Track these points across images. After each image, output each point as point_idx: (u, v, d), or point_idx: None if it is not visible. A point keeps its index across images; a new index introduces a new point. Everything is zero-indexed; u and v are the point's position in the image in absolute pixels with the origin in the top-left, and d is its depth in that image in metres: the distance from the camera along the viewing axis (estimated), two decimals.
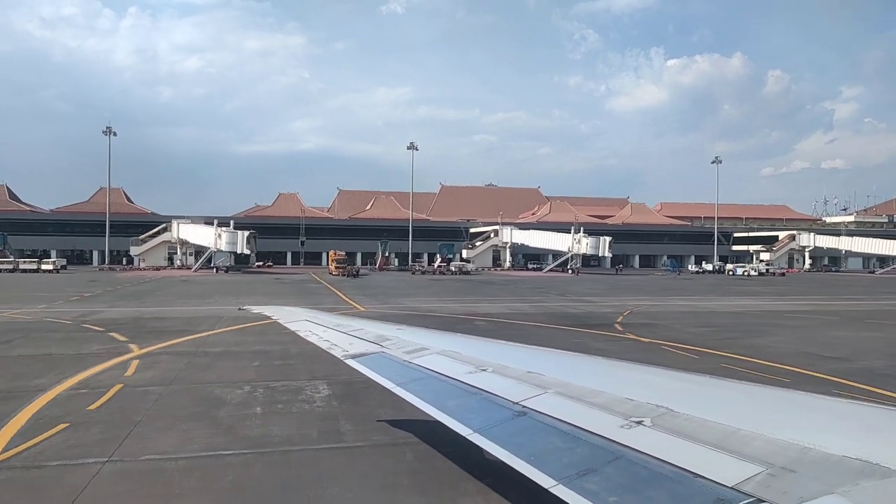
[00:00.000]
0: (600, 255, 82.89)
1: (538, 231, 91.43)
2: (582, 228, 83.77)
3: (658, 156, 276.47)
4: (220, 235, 71.33)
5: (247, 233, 72.22)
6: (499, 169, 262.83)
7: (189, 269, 72.75)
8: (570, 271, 78.38)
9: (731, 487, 2.48)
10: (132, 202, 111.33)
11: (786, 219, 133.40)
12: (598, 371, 5.08)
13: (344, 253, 72.01)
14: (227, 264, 73.62)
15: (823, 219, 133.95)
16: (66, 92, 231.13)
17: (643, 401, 3.65)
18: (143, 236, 77.88)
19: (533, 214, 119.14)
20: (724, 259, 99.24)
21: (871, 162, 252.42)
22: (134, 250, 77.75)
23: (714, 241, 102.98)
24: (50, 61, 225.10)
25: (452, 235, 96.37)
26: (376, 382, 5.33)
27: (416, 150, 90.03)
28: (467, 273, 72.61)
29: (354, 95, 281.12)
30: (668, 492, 2.64)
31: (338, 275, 60.58)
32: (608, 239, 79.80)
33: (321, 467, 7.41)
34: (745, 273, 79.62)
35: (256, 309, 11.37)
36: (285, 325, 8.68)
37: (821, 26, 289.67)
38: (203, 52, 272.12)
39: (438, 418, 4.16)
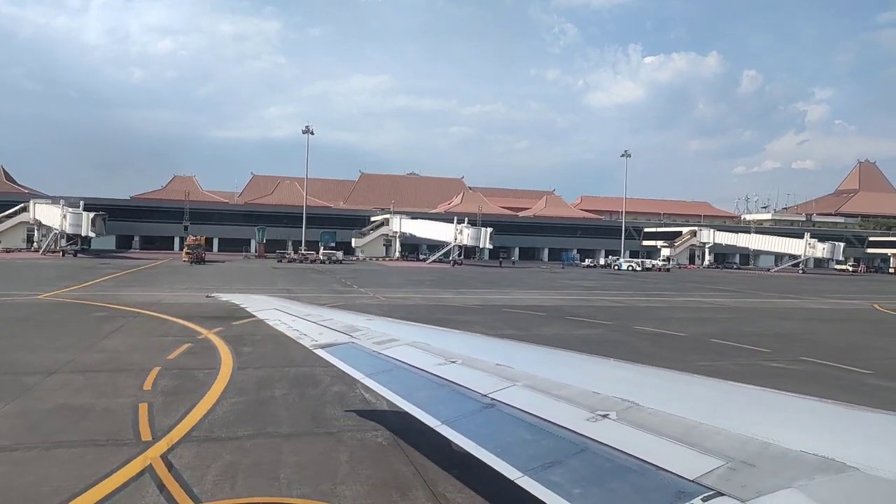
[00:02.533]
0: (480, 246, 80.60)
1: (425, 221, 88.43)
2: (466, 220, 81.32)
3: (634, 152, 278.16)
4: (65, 216, 68.96)
5: (92, 214, 69.67)
6: (474, 162, 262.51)
7: (38, 251, 70.09)
8: (451, 263, 77.17)
9: (692, 480, 2.52)
10: (13, 181, 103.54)
11: (704, 215, 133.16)
12: (566, 364, 5.12)
13: (201, 238, 68.62)
14: (77, 247, 70.14)
15: (744, 216, 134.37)
16: (34, 70, 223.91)
17: (610, 394, 3.69)
18: None
19: (449, 204, 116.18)
20: (634, 254, 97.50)
21: (840, 163, 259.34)
22: None
23: (622, 236, 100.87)
24: (17, 38, 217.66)
25: (354, 224, 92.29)
26: (345, 373, 5.29)
27: (312, 133, 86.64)
28: (339, 262, 70.14)
29: (331, 83, 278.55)
30: (630, 484, 2.67)
31: (187, 261, 58.99)
32: (489, 230, 78.44)
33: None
34: (630, 267, 78.03)
35: (225, 297, 11.20)
36: (254, 313, 8.56)
37: (795, 28, 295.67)
38: (176, 34, 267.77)
39: (407, 409, 4.14)
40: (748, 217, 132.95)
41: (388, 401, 4.45)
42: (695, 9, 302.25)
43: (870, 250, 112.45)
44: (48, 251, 70.01)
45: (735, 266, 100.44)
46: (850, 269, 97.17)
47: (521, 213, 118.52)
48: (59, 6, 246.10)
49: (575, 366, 5.05)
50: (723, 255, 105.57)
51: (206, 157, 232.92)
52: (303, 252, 74.55)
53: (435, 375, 4.60)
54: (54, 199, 74.93)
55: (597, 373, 4.71)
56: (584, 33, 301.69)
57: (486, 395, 3.97)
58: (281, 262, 68.84)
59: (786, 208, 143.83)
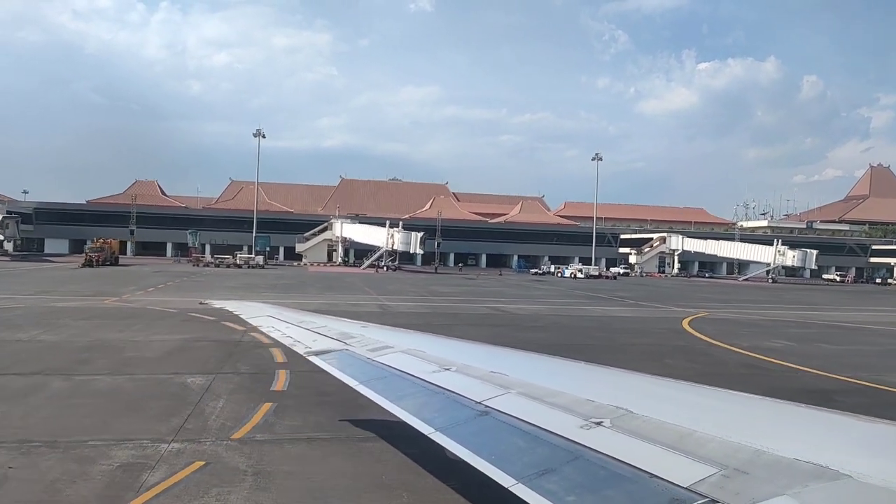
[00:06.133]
0: (411, 251, 79.42)
1: (361, 226, 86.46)
2: (401, 224, 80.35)
3: (688, 160, 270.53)
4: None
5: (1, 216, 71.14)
6: (524, 171, 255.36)
7: None
8: (385, 268, 75.85)
9: (686, 488, 2.52)
10: (166, 195, 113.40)
11: (695, 222, 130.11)
12: (560, 372, 5.12)
13: (99, 242, 67.69)
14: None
15: (740, 224, 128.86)
16: (100, 84, 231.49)
17: (603, 402, 3.69)
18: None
19: (424, 211, 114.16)
20: (612, 262, 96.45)
21: None
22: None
23: (593, 242, 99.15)
24: (83, 53, 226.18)
25: (310, 228, 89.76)
26: (339, 380, 5.27)
27: (264, 137, 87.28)
28: (259, 266, 70.60)
29: (380, 93, 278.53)
30: (625, 491, 2.67)
31: (82, 265, 59.09)
32: (419, 235, 77.34)
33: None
34: (572, 275, 75.33)
35: (218, 304, 11.15)
36: (247, 320, 8.53)
37: (858, 30, 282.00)
38: (232, 47, 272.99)
39: (401, 416, 4.13)
40: (745, 224, 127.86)
41: (382, 408, 4.43)
42: (751, 12, 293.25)
43: (873, 259, 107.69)
44: None
45: (707, 275, 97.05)
46: (838, 278, 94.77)
47: (491, 220, 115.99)
48: (121, 22, 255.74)
49: (569, 373, 5.06)
50: (711, 264, 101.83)
51: (255, 166, 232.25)
52: (219, 256, 74.63)
53: (429, 383, 4.59)
54: None
55: (591, 380, 4.72)
56: (635, 40, 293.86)
57: (480, 403, 3.97)
58: (197, 265, 68.77)
59: (787, 215, 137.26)
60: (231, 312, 9.91)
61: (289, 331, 7.27)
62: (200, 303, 12.26)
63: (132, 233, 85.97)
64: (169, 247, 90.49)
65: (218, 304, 11.11)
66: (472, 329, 20.89)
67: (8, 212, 76.59)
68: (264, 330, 7.65)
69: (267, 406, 9.82)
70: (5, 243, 77.91)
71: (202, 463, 7.16)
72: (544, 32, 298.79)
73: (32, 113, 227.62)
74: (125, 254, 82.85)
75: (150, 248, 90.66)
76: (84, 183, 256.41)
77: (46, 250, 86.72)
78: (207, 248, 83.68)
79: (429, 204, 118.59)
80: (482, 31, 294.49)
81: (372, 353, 5.72)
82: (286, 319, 7.97)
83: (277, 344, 14.67)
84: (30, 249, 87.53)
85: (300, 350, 6.35)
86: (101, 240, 68.35)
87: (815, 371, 15.16)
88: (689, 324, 25.27)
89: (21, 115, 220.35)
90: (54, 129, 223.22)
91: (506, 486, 2.87)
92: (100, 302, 26.37)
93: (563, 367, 5.39)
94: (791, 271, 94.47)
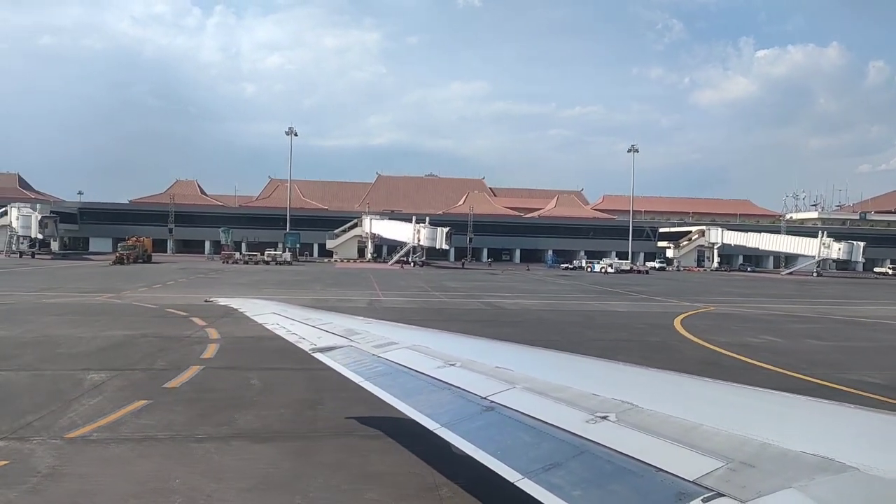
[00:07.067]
0: (437, 247, 78.17)
1: (390, 221, 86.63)
2: (427, 219, 79.77)
3: (746, 151, 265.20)
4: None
5: (40, 216, 73.29)
6: (574, 163, 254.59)
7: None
8: (412, 264, 75.88)
9: (692, 481, 2.52)
10: (206, 194, 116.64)
11: (740, 214, 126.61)
12: (565, 366, 5.13)
13: (132, 240, 70.73)
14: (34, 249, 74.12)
15: (789, 215, 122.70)
16: (156, 87, 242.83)
17: (609, 396, 3.69)
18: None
19: (458, 206, 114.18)
20: (650, 256, 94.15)
21: None
22: None
23: (629, 236, 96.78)
24: (141, 57, 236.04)
25: (342, 225, 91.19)
26: (344, 376, 5.28)
27: (296, 135, 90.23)
28: (287, 263, 71.74)
29: (429, 90, 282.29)
30: (630, 485, 2.68)
31: (112, 262, 61.68)
32: (445, 230, 77.23)
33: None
34: (602, 269, 74.58)
35: (223, 301, 11.16)
36: (252, 317, 8.53)
37: None
38: (283, 49, 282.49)
39: (406, 412, 4.14)
40: (794, 216, 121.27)
41: (386, 403, 4.44)
42: None
43: None
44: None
45: (749, 269, 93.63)
46: (890, 271, 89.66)
47: (526, 214, 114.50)
48: (178, 27, 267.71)
49: (574, 368, 5.06)
50: (756, 258, 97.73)
51: (306, 165, 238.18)
52: (249, 254, 76.42)
53: (434, 378, 4.60)
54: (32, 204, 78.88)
55: (596, 375, 4.73)
56: (690, 28, 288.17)
57: (485, 398, 3.98)
58: (227, 262, 70.47)
59: (840, 206, 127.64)
60: (236, 309, 9.91)
61: (293, 328, 7.27)
62: (206, 300, 12.23)
63: (171, 231, 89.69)
64: (207, 245, 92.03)
65: (223, 301, 11.11)
66: (446, 323, 20.65)
67: (52, 212, 79.40)
68: (269, 327, 7.64)
69: (139, 404, 9.55)
70: (52, 242, 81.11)
71: (5, 462, 6.98)
72: (593, 24, 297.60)
73: (93, 117, 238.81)
74: (165, 252, 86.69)
75: (191, 246, 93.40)
76: (138, 182, 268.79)
77: (91, 248, 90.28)
78: (243, 245, 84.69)
79: (462, 199, 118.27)
80: (530, 24, 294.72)
81: (377, 349, 5.73)
82: (291, 316, 7.96)
83: (222, 340, 15.45)
84: (76, 248, 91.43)
85: (305, 347, 6.36)
86: (134, 238, 71.33)
87: (770, 367, 14.37)
88: (683, 319, 24.83)
89: (83, 119, 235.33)
90: (112, 131, 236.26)
91: (512, 480, 2.88)
92: (92, 299, 26.65)
93: (568, 362, 5.40)
94: (842, 264, 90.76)
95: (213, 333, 16.77)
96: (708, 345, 17.93)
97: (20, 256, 69.90)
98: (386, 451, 7.71)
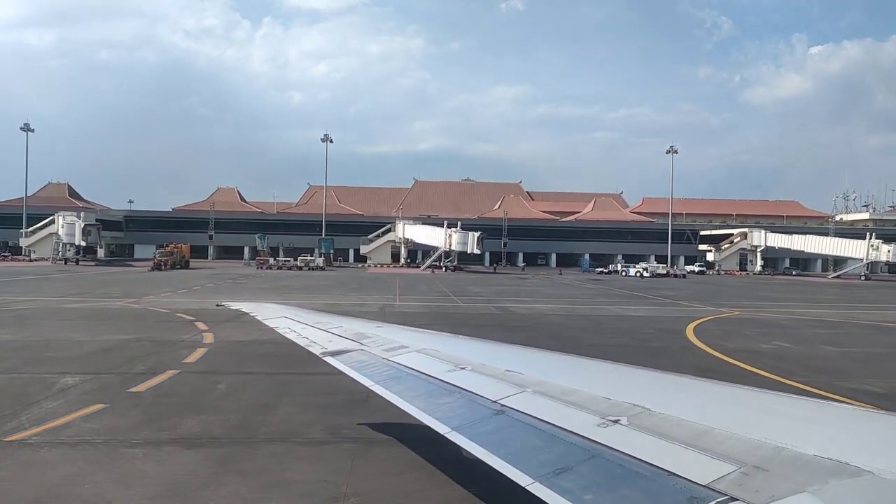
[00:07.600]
0: (469, 251, 77.94)
1: (422, 226, 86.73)
2: (459, 224, 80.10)
3: (798, 151, 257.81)
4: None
5: (83, 223, 76.52)
6: (617, 167, 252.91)
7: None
8: (444, 269, 76.08)
9: (705, 486, 2.50)
10: (245, 201, 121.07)
11: (787, 216, 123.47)
12: (575, 370, 5.11)
13: (170, 247, 72.58)
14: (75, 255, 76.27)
15: (839, 217, 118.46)
16: (208, 98, 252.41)
17: (620, 399, 3.67)
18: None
19: (493, 211, 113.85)
20: (691, 259, 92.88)
21: None
22: None
23: (669, 239, 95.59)
24: (193, 69, 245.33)
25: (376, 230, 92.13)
26: (355, 380, 5.29)
27: (331, 142, 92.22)
28: (320, 268, 72.91)
29: (472, 95, 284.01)
30: (642, 490, 2.66)
31: (150, 269, 63.75)
32: (476, 235, 77.33)
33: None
34: (637, 274, 73.39)
35: (235, 305, 11.23)
36: (263, 321, 8.58)
37: None
38: (329, 58, 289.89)
39: (416, 416, 4.14)
40: (844, 217, 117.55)
41: (397, 407, 4.44)
42: None
43: None
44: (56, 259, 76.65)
45: (794, 272, 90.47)
46: None
47: (561, 218, 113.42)
48: (228, 39, 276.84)
49: (585, 371, 5.04)
50: (803, 261, 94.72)
51: (349, 171, 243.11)
52: (282, 259, 77.40)
53: (444, 382, 4.59)
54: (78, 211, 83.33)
55: (607, 378, 4.71)
56: (740, 25, 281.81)
57: (495, 402, 3.96)
58: (261, 268, 71.89)
59: (893, 207, 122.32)
60: (246, 314, 9.97)
61: (304, 332, 7.30)
62: (217, 304, 12.33)
63: (210, 237, 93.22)
64: (245, 251, 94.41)
65: (235, 305, 11.18)
66: (449, 328, 20.61)
67: (96, 220, 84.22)
68: (280, 331, 7.68)
69: (95, 408, 9.49)
70: (98, 249, 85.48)
71: None
72: (639, 24, 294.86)
73: (146, 127, 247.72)
74: (206, 258, 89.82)
75: (231, 253, 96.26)
76: (184, 190, 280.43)
77: (136, 255, 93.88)
78: (280, 251, 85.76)
79: (498, 204, 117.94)
80: (574, 26, 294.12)
81: (387, 353, 5.73)
82: (302, 320, 7.99)
83: (213, 345, 15.50)
84: (121, 255, 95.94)
85: (316, 350, 6.37)
86: (172, 245, 73.93)
87: (766, 374, 13.90)
88: (698, 325, 24.34)
89: (135, 130, 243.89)
90: (164, 141, 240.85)
91: (523, 484, 2.87)
92: (112, 304, 27.04)
93: (578, 365, 5.37)
94: (895, 267, 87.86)
95: (208, 338, 16.93)
96: (712, 351, 17.50)
97: (65, 263, 72.49)
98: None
